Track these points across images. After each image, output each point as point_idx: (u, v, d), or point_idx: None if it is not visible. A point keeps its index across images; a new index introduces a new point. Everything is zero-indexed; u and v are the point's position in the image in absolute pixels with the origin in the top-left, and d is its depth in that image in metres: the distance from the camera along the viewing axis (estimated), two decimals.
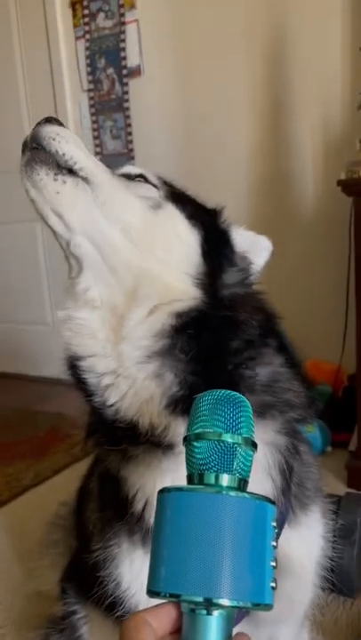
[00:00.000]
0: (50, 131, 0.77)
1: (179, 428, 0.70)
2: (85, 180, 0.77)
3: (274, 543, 0.41)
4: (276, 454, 0.76)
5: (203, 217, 0.84)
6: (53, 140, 0.76)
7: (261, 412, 0.73)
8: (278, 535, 0.77)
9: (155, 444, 0.71)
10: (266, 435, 0.74)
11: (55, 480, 2.22)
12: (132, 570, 0.77)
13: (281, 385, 0.76)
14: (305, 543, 0.82)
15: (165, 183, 0.86)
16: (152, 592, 0.40)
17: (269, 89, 2.69)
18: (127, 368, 0.72)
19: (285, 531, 0.78)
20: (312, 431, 2.07)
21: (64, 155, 0.76)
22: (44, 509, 1.67)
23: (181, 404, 0.70)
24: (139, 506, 0.76)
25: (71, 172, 0.77)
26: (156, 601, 0.41)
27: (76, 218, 0.76)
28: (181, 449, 0.69)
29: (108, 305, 0.76)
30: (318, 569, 0.85)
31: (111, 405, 0.74)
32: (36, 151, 0.77)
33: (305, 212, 2.68)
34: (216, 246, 0.82)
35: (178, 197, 0.84)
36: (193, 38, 2.85)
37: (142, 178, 0.84)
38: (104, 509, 0.85)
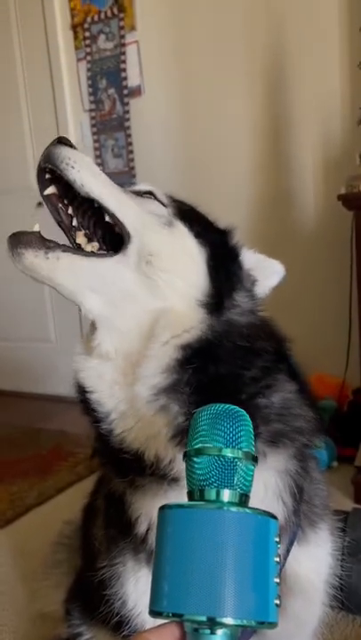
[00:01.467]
0: (65, 155, 0.75)
1: None
2: (118, 233, 0.76)
3: (277, 559, 0.40)
4: (287, 478, 0.75)
5: (211, 235, 0.83)
6: (72, 167, 0.75)
7: (274, 441, 0.72)
8: (288, 553, 0.76)
9: (160, 476, 0.70)
10: (278, 463, 0.74)
11: (59, 499, 2.20)
12: (137, 588, 0.76)
13: (292, 412, 0.75)
14: (314, 561, 0.81)
15: (174, 200, 0.85)
16: (154, 612, 0.39)
17: (269, 105, 2.72)
18: (138, 408, 0.72)
19: (294, 549, 0.78)
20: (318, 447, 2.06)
21: (83, 186, 0.74)
22: (47, 529, 1.65)
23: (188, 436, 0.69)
24: (142, 528, 0.75)
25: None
26: (161, 620, 0.40)
27: (82, 284, 0.75)
28: None
29: (122, 354, 0.75)
30: (327, 587, 0.84)
31: (117, 435, 0.73)
32: (20, 233, 0.75)
33: (306, 227, 2.69)
34: (224, 265, 0.81)
35: (186, 215, 0.83)
36: (192, 58, 2.89)
37: (151, 195, 0.83)
38: (109, 527, 0.84)
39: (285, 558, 0.76)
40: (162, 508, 0.41)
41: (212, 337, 0.72)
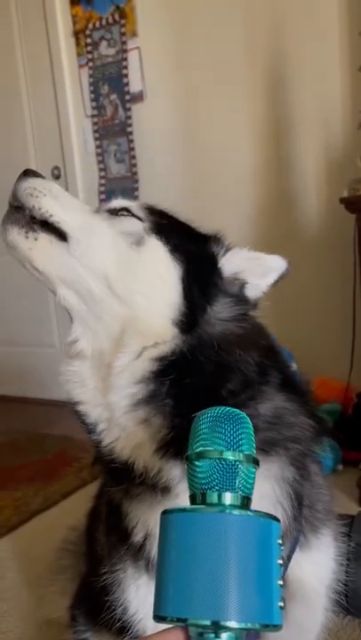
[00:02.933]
0: (26, 186, 0.80)
1: (173, 472, 0.70)
2: (61, 233, 0.78)
3: (280, 561, 0.40)
4: (285, 485, 0.75)
5: (188, 246, 0.81)
6: (31, 195, 0.79)
7: (266, 449, 0.72)
8: (290, 559, 0.76)
9: (152, 485, 0.71)
10: (271, 472, 0.74)
11: (64, 504, 2.20)
12: (138, 595, 0.77)
13: (285, 421, 0.74)
14: (316, 567, 0.80)
15: (153, 213, 0.84)
16: (158, 617, 0.39)
17: (271, 110, 2.73)
18: (117, 417, 0.73)
19: (296, 554, 0.77)
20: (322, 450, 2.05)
21: (40, 209, 0.79)
22: (52, 534, 1.65)
23: (172, 448, 0.69)
24: (138, 537, 0.76)
25: (49, 225, 0.79)
26: (163, 625, 0.40)
27: (54, 272, 0.78)
28: (179, 491, 0.69)
29: (97, 354, 0.77)
30: (330, 593, 0.84)
31: (106, 446, 0.75)
32: (12, 211, 0.80)
33: (309, 231, 2.69)
34: (201, 277, 0.79)
35: (163, 228, 0.81)
36: (194, 63, 2.90)
37: (127, 211, 0.83)
38: (110, 534, 0.85)
39: (287, 564, 0.76)
40: (164, 513, 0.41)
41: (186, 350, 0.72)
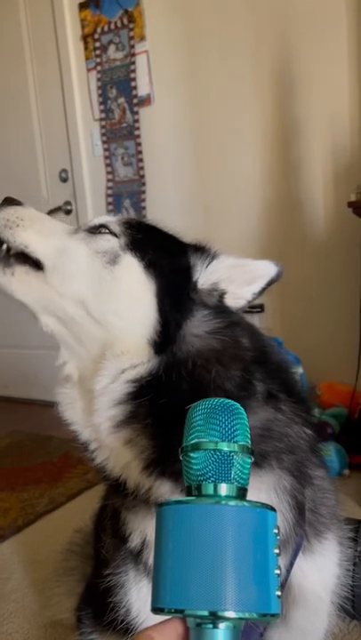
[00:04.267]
0: (1, 218, 0.82)
1: (161, 489, 0.71)
2: (37, 262, 0.80)
3: (277, 550, 0.40)
4: (283, 495, 0.75)
5: (163, 260, 0.79)
6: (5, 227, 0.81)
7: (257, 462, 0.71)
8: (292, 565, 0.76)
9: (144, 500, 0.73)
10: (265, 483, 0.73)
11: (69, 506, 2.21)
12: (139, 597, 0.78)
13: (276, 432, 0.73)
14: (319, 571, 0.80)
15: (130, 227, 0.82)
16: (156, 609, 0.39)
17: (278, 114, 2.73)
18: (103, 438, 0.75)
19: (299, 559, 0.77)
20: (328, 454, 2.05)
21: (15, 241, 0.80)
22: (58, 536, 1.65)
23: (159, 467, 0.71)
24: (134, 544, 0.77)
25: (25, 255, 0.80)
26: (162, 618, 0.40)
27: (34, 302, 0.80)
28: None
29: (83, 377, 0.79)
30: (333, 597, 0.83)
31: (99, 464, 0.78)
32: None
33: (316, 235, 2.69)
34: (175, 292, 0.77)
35: (139, 243, 0.80)
36: (202, 67, 2.91)
37: (103, 227, 0.82)
38: (114, 536, 0.86)
39: (289, 569, 0.75)
40: (160, 505, 0.41)
41: (161, 370, 0.72)
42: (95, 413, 0.74)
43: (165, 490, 0.70)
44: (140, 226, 0.84)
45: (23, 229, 0.81)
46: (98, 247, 0.80)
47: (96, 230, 0.82)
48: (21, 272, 0.80)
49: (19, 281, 0.80)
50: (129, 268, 0.77)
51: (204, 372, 0.71)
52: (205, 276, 0.79)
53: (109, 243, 0.80)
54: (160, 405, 0.70)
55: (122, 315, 0.76)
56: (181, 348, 0.73)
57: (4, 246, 0.81)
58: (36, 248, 0.81)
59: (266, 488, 0.73)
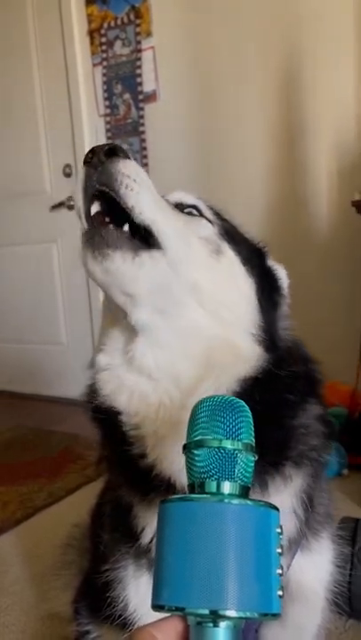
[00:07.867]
0: (124, 173, 0.65)
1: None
2: (158, 245, 0.67)
3: (279, 550, 0.39)
4: (301, 494, 0.75)
5: (255, 259, 0.78)
6: (126, 187, 0.65)
7: (298, 462, 0.72)
8: (291, 561, 0.76)
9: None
10: (298, 484, 0.74)
11: (68, 500, 2.21)
12: (138, 593, 0.77)
13: (311, 429, 0.74)
14: (316, 569, 0.81)
15: (218, 216, 0.78)
16: (157, 606, 0.39)
17: (284, 112, 2.73)
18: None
19: (297, 556, 0.77)
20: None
21: (140, 213, 0.65)
22: (56, 530, 1.66)
23: None
24: (146, 539, 0.76)
25: (140, 232, 0.67)
26: (162, 615, 0.40)
27: (146, 293, 0.67)
28: None
29: (168, 374, 0.69)
30: (327, 594, 0.84)
31: (149, 461, 0.70)
32: (98, 222, 0.67)
33: (319, 233, 2.68)
34: (269, 292, 0.77)
35: (230, 236, 0.76)
36: (208, 64, 2.90)
37: (195, 209, 0.75)
38: (114, 531, 0.85)
39: (289, 567, 0.76)
40: (162, 502, 0.41)
41: (268, 368, 0.69)
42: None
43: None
44: (223, 216, 0.81)
45: (145, 196, 0.66)
46: (199, 232, 0.73)
47: (183, 209, 0.75)
48: (149, 259, 0.66)
49: (147, 270, 0.66)
50: (233, 262, 0.74)
51: (291, 369, 0.71)
52: (285, 280, 0.83)
53: (207, 230, 0.74)
54: (259, 402, 0.63)
55: (231, 308, 0.71)
56: (280, 346, 0.74)
57: (126, 227, 0.67)
58: (164, 228, 0.67)
59: (293, 489, 0.74)
